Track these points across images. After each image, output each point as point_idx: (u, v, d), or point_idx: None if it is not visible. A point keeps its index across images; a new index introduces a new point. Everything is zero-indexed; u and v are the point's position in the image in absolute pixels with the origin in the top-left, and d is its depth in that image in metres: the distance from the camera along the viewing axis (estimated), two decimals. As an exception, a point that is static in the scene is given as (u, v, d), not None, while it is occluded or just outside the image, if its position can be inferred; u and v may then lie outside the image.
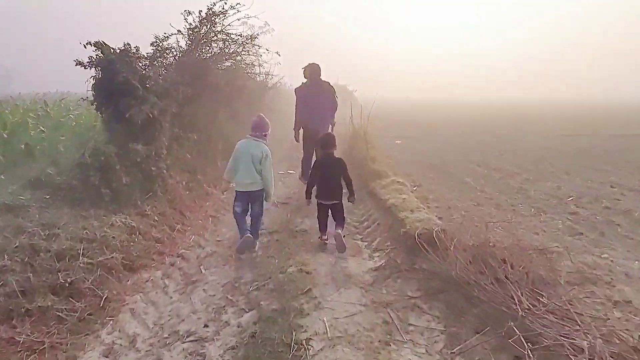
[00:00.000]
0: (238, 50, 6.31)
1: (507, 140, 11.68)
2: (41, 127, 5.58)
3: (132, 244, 3.88)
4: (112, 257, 3.57)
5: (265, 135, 4.21)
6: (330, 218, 4.34)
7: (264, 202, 4.28)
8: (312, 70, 5.97)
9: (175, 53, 5.81)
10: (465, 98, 58.04)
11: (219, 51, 6.21)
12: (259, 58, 6.66)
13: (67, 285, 3.13)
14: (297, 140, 6.31)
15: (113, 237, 3.76)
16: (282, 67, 8.59)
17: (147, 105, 4.37)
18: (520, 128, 15.26)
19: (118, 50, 4.44)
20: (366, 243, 4.31)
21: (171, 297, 3.41)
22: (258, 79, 10.42)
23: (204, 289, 3.52)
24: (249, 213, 4.27)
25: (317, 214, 4.33)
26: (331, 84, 6.13)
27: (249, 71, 7.54)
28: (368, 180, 6.21)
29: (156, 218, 4.55)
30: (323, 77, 6.08)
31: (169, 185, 5.08)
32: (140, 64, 4.70)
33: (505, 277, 3.12)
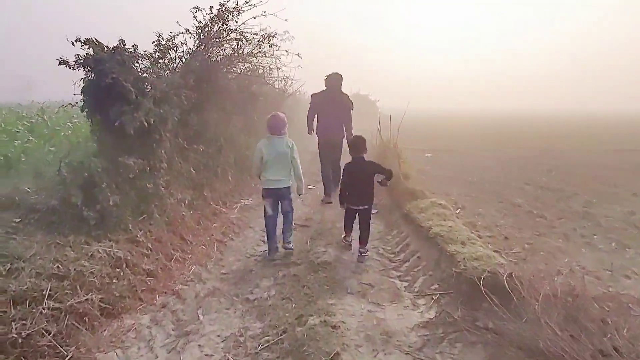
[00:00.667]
0: (253, 51, 5.57)
1: (550, 155, 10.59)
2: (30, 137, 4.97)
3: (114, 280, 3.11)
4: (87, 299, 2.81)
5: (284, 133, 4.10)
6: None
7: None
8: (333, 80, 5.95)
9: (181, 54, 5.13)
10: (491, 110, 56.36)
11: (231, 52, 5.49)
12: (277, 60, 5.88)
13: (20, 340, 2.38)
14: (310, 133, 6.36)
15: (91, 272, 3.00)
16: (301, 74, 7.82)
17: (141, 111, 3.65)
18: (561, 141, 14.08)
19: (111, 48, 3.75)
20: (406, 283, 3.41)
21: (157, 357, 2.61)
22: (276, 85, 9.75)
23: (199, 345, 2.72)
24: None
25: (344, 217, 4.22)
26: (350, 98, 6.11)
27: (266, 75, 6.77)
28: (402, 201, 5.33)
29: (150, 245, 3.78)
30: (343, 88, 6.08)
31: (167, 205, 4.33)
32: (138, 65, 4.01)
33: (615, 349, 2.22)
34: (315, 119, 6.17)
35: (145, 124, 3.72)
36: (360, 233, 4.05)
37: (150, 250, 3.76)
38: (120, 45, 3.76)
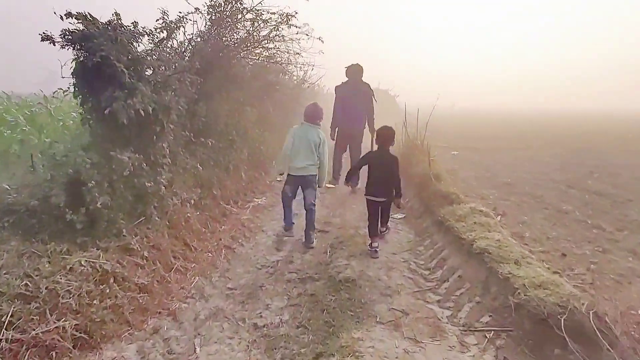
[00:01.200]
0: (270, 34, 4.97)
1: (588, 155, 9.73)
2: (25, 127, 4.51)
3: (96, 300, 2.59)
4: (58, 327, 2.30)
5: (319, 123, 4.20)
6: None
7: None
8: (354, 71, 6.01)
9: (190, 36, 4.58)
10: (514, 108, 54.49)
11: (246, 35, 4.90)
12: (297, 44, 5.24)
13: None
14: (333, 139, 6.29)
15: (68, 291, 2.49)
16: (321, 64, 7.16)
17: (137, 98, 3.11)
18: (596, 140, 13.11)
19: (105, 23, 3.22)
20: (448, 312, 2.80)
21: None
22: (295, 75, 9.16)
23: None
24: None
25: (367, 216, 4.05)
26: (371, 87, 6.16)
27: (284, 63, 6.17)
28: (434, 204, 4.70)
29: (146, 254, 3.26)
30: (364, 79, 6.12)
31: (169, 206, 3.81)
32: (137, 45, 3.47)
33: None
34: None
35: (142, 112, 3.18)
36: (381, 219, 4.10)
37: (146, 259, 3.25)
38: (114, 19, 3.22)
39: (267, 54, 5.83)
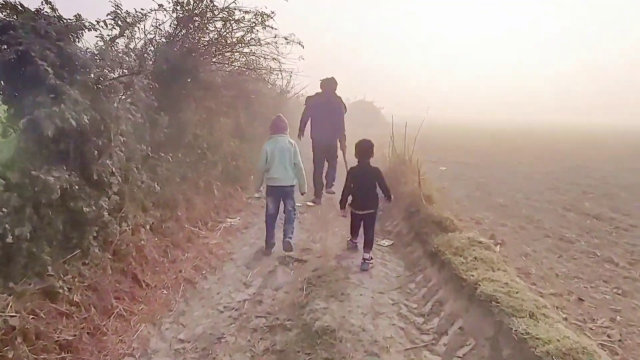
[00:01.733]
0: (244, 37, 4.43)
1: (580, 173, 9.41)
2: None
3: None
4: None
5: (285, 133, 4.30)
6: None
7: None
8: (328, 84, 6.07)
9: (153, 36, 4.00)
10: (493, 121, 55.01)
11: (217, 37, 4.34)
12: (275, 48, 4.69)
13: None
14: (300, 138, 6.23)
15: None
16: (304, 75, 6.69)
17: (67, 104, 2.51)
18: (588, 156, 12.84)
19: (32, 11, 2.63)
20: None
21: None
22: (277, 82, 8.63)
23: None
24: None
25: (351, 223, 4.21)
26: (343, 100, 6.29)
27: (263, 70, 5.62)
28: (425, 231, 4.17)
29: (76, 298, 2.63)
30: (339, 93, 6.22)
31: (115, 234, 3.18)
32: (76, 41, 2.87)
33: None
34: (309, 122, 6.22)
35: (74, 122, 2.57)
36: (365, 238, 3.98)
37: (77, 305, 2.62)
38: (42, 9, 2.63)
39: (243, 59, 5.29)
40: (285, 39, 4.58)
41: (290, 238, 4.17)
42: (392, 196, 4.11)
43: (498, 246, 4.02)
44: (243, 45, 4.65)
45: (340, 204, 4.20)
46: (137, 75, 3.20)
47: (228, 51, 4.72)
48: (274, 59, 4.89)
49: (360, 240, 4.16)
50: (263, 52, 4.84)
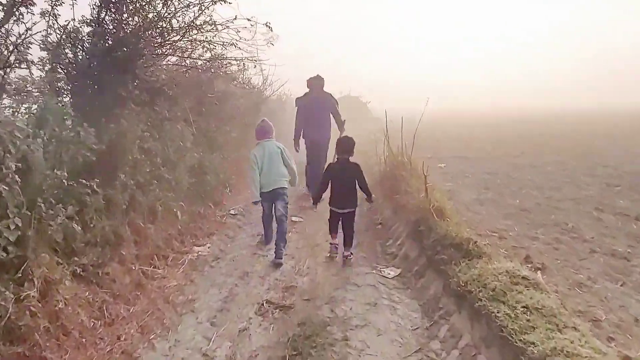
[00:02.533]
0: (195, 22, 3.40)
1: (593, 160, 8.56)
2: None
3: None
4: None
5: (270, 137, 4.27)
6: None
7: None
8: (315, 82, 6.04)
9: (67, 22, 2.96)
10: (484, 107, 54.23)
11: (156, 19, 3.29)
12: (237, 32, 3.66)
13: None
14: (297, 150, 6.14)
15: None
16: (284, 74, 5.89)
17: None
18: (595, 143, 11.99)
19: None
20: None
21: None
22: (253, 80, 7.65)
23: None
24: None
25: (328, 219, 4.07)
26: (333, 96, 6.21)
27: (227, 61, 4.58)
28: (442, 257, 3.21)
29: None
30: (327, 89, 6.19)
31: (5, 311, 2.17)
32: None
33: None
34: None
35: None
36: (345, 237, 3.96)
37: None
38: None
39: (203, 51, 4.26)
40: (248, 19, 3.57)
41: (281, 258, 4.02)
42: (372, 195, 4.04)
43: (538, 272, 3.08)
44: (196, 30, 3.60)
45: (313, 199, 4.23)
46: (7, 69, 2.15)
47: (178, 40, 3.67)
48: (232, 44, 3.80)
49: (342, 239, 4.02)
50: (222, 39, 3.79)
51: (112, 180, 3.54)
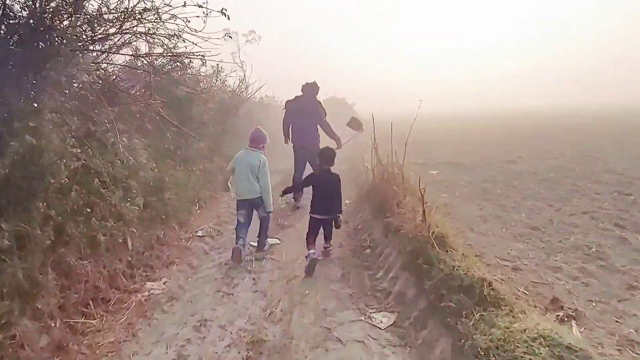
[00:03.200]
0: (130, 7, 2.65)
1: (596, 165, 7.98)
2: None
3: None
4: None
5: (263, 147, 4.32)
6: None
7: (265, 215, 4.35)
8: (309, 88, 6.00)
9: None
10: (467, 108, 54.07)
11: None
12: (186, 22, 2.91)
13: None
14: (287, 142, 6.24)
15: None
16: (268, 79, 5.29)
17: None
18: (584, 142, 11.51)
19: None
20: None
21: None
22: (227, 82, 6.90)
23: None
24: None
25: (307, 231, 4.07)
26: (322, 106, 6.16)
27: (185, 56, 3.79)
28: (448, 303, 2.50)
29: None
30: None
31: None
32: None
33: None
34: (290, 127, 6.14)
35: None
36: (325, 235, 4.16)
37: None
38: None
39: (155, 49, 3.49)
40: (200, 6, 2.82)
41: (263, 248, 4.36)
42: (342, 211, 4.13)
43: (573, 324, 2.39)
44: (136, 21, 2.84)
45: (283, 191, 4.33)
46: None
47: (115, 33, 2.90)
48: (176, 35, 3.03)
49: (319, 250, 4.10)
50: (168, 30, 3.02)
51: (26, 211, 2.76)
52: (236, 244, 4.09)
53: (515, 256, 3.50)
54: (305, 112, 5.93)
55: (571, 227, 4.32)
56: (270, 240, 4.71)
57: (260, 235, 4.37)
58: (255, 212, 4.36)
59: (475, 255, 3.40)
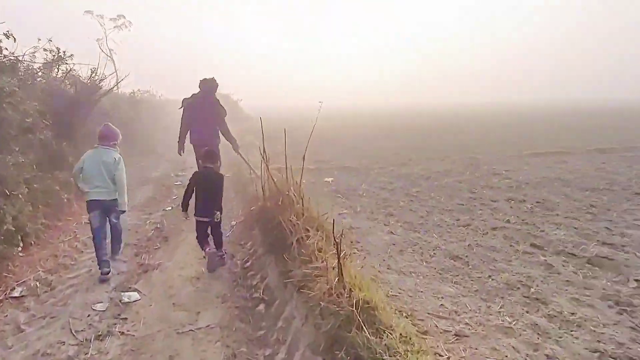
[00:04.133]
0: None
1: (486, 169, 8.05)
2: None
3: None
4: None
5: (115, 145, 3.98)
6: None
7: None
8: (207, 85, 5.53)
9: None
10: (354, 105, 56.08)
11: None
12: None
13: None
14: (180, 153, 5.70)
15: None
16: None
17: None
18: (480, 146, 11.89)
19: None
20: None
21: None
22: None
23: None
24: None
25: (196, 234, 3.94)
26: (221, 104, 5.67)
27: None
28: None
29: None
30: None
31: None
32: None
33: None
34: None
35: None
36: (215, 240, 4.01)
37: None
38: None
39: None
40: None
41: (118, 254, 4.13)
42: (222, 208, 3.93)
43: None
44: None
45: (182, 206, 4.00)
46: None
47: None
48: None
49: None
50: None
51: None
52: (102, 273, 3.67)
53: (452, 310, 2.74)
54: (204, 110, 5.45)
55: (491, 252, 3.81)
56: (125, 296, 3.36)
57: (114, 242, 4.07)
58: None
59: (406, 316, 2.55)
